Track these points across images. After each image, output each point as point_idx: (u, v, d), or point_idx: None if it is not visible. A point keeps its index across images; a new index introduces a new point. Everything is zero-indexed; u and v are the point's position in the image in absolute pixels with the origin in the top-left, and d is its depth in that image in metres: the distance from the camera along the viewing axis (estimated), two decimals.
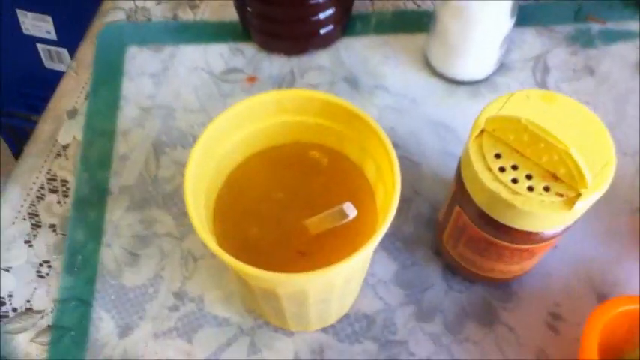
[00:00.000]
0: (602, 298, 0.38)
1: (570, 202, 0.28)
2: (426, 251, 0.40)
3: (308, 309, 0.32)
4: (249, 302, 0.37)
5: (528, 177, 0.29)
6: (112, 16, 0.51)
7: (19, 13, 0.99)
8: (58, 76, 0.52)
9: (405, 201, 0.42)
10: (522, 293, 0.38)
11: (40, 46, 1.03)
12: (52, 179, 0.43)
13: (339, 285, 0.30)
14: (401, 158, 0.43)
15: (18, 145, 1.21)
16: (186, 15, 0.51)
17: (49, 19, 0.99)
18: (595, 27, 0.49)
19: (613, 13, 0.50)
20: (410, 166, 0.43)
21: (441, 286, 0.39)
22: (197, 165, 0.29)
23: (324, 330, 0.37)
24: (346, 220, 0.27)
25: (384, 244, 0.40)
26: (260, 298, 0.32)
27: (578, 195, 0.28)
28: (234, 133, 0.31)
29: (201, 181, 0.30)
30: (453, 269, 0.39)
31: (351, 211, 0.27)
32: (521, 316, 0.38)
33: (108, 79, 0.48)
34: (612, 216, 0.41)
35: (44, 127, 0.46)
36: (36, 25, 1.01)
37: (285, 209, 0.31)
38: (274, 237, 0.31)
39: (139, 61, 0.49)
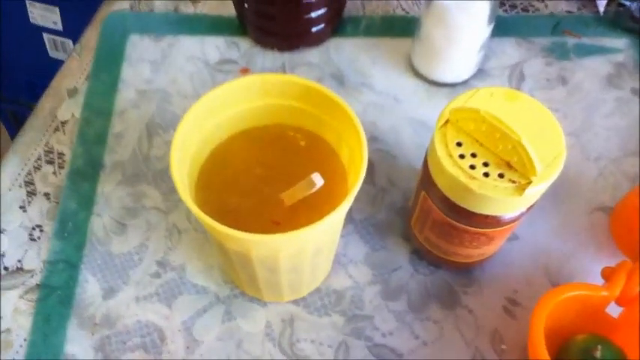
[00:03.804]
0: None
1: (521, 188, 0.31)
2: (396, 237, 0.42)
3: (280, 277, 0.34)
4: (227, 272, 0.40)
5: (485, 164, 0.32)
6: (116, 5, 0.54)
7: (28, 3, 1.02)
8: (61, 65, 0.54)
9: (380, 190, 0.44)
10: (483, 279, 0.41)
11: (45, 36, 1.05)
12: (50, 151, 0.46)
13: (309, 254, 0.33)
14: (379, 150, 0.46)
15: (18, 131, 1.23)
16: (187, 8, 0.54)
17: (57, 10, 1.01)
18: (571, 41, 0.52)
19: (588, 29, 0.53)
20: (387, 158, 0.46)
21: (407, 269, 0.41)
22: (184, 135, 0.32)
23: (296, 302, 0.40)
24: (314, 189, 0.30)
25: (357, 229, 0.43)
26: (236, 264, 0.34)
27: (529, 182, 0.31)
28: (220, 111, 0.34)
29: (186, 150, 0.32)
30: (419, 254, 0.42)
31: (318, 179, 0.29)
32: (481, 300, 0.40)
33: (109, 63, 0.50)
34: (572, 214, 0.43)
35: (45, 104, 0.49)
36: (43, 15, 1.03)
37: (263, 183, 0.34)
38: (251, 207, 0.33)
39: (140, 48, 0.51)
